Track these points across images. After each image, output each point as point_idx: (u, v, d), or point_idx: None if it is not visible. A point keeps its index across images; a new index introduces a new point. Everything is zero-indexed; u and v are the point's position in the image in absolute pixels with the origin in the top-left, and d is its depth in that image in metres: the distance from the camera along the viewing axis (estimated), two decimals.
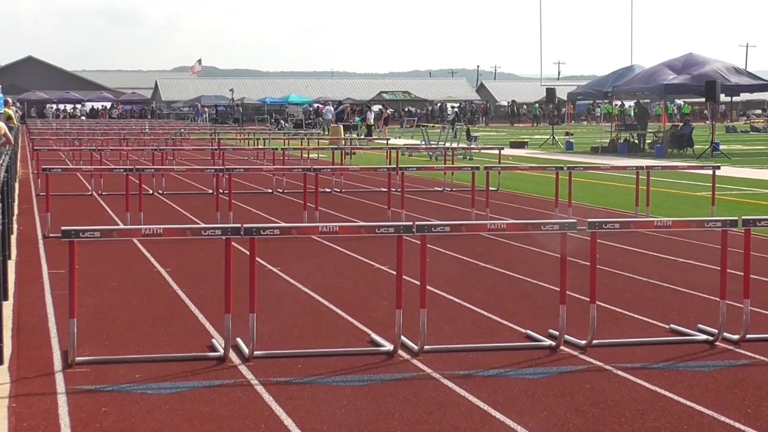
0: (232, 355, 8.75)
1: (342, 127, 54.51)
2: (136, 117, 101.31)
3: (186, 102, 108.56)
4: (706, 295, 11.55)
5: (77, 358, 8.49)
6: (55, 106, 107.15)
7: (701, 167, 25.14)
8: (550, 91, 55.84)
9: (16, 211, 20.00)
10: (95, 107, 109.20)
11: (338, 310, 10.76)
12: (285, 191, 25.28)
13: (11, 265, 13.28)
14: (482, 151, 39.80)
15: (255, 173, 27.98)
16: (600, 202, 22.43)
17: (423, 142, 45.96)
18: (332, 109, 72.72)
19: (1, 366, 8.43)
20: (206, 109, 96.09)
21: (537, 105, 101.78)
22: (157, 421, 7.08)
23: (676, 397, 7.70)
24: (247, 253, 8.81)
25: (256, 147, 42.93)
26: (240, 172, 23.97)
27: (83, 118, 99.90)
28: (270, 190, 25.44)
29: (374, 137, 53.89)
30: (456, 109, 77.58)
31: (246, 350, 8.78)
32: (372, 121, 64.14)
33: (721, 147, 41.87)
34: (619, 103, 58.29)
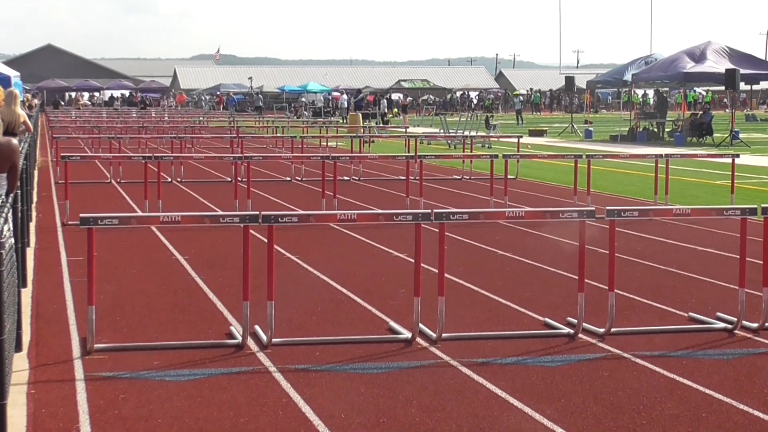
0: (250, 343, 8.77)
1: (360, 115, 54.46)
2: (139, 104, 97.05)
3: (206, 90, 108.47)
4: (725, 284, 11.51)
5: (96, 345, 8.52)
6: (74, 94, 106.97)
7: (720, 156, 25.01)
8: (569, 80, 55.68)
9: (35, 199, 20.07)
10: (114, 95, 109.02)
11: (356, 298, 10.76)
12: (303, 179, 25.28)
13: (30, 253, 13.33)
14: (501, 139, 39.73)
15: (273, 161, 28.00)
16: (619, 191, 22.36)
17: (441, 131, 45.90)
18: (347, 97, 72.75)
19: (20, 353, 8.46)
20: (234, 97, 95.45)
21: (537, 93, 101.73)
22: (176, 407, 7.09)
23: (694, 385, 7.68)
24: (265, 240, 8.81)
25: (274, 135, 42.97)
26: (258, 160, 24.01)
27: (114, 108, 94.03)
28: (288, 178, 25.44)
29: (390, 125, 53.86)
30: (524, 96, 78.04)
31: (264, 337, 8.79)
32: (386, 109, 64.14)
33: (741, 135, 41.71)
34: (642, 92, 58.09)
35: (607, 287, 9.15)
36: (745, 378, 7.91)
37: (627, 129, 46.06)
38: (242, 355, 8.47)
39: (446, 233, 9.04)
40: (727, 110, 66.09)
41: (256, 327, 9.13)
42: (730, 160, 20.40)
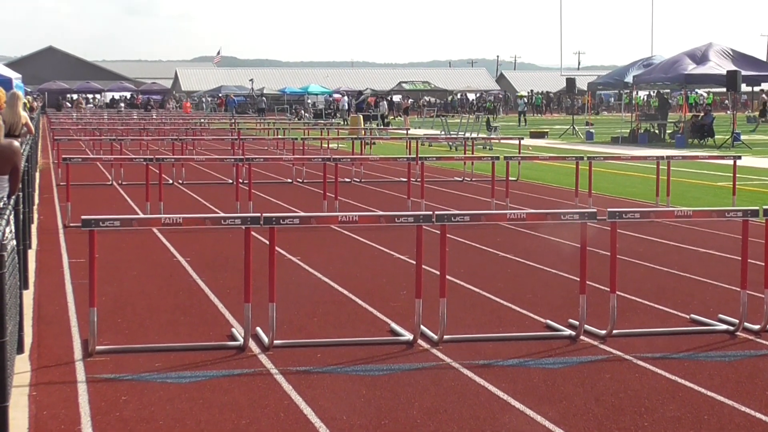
0: (252, 345, 8.76)
1: (362, 117, 54.43)
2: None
3: (207, 91, 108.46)
4: (726, 285, 11.50)
5: (97, 347, 8.51)
6: (75, 96, 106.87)
7: (722, 157, 24.99)
8: (570, 81, 55.65)
9: (36, 201, 20.07)
10: (115, 97, 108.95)
11: (358, 300, 10.76)
12: (304, 181, 25.28)
13: (32, 254, 13.33)
14: (502, 141, 39.71)
15: (274, 163, 28.01)
16: (620, 192, 22.36)
17: (443, 132, 45.88)
18: (348, 99, 72.80)
19: (22, 355, 8.46)
20: (235, 98, 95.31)
21: (539, 95, 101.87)
22: (177, 410, 7.09)
23: (696, 387, 7.67)
24: (267, 242, 8.81)
25: (276, 137, 42.96)
26: (260, 162, 24.00)
27: (117, 111, 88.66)
28: (289, 180, 25.45)
29: (391, 127, 53.89)
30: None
31: (265, 339, 8.79)
32: (386, 111, 64.21)
33: (742, 137, 41.69)
34: (646, 93, 57.94)
35: (608, 289, 9.15)
36: (746, 380, 7.91)
37: (628, 131, 46.06)
38: (244, 357, 8.47)
39: (447, 235, 9.03)
40: (729, 112, 66.08)
41: (258, 329, 9.13)
42: (731, 162, 20.38)
